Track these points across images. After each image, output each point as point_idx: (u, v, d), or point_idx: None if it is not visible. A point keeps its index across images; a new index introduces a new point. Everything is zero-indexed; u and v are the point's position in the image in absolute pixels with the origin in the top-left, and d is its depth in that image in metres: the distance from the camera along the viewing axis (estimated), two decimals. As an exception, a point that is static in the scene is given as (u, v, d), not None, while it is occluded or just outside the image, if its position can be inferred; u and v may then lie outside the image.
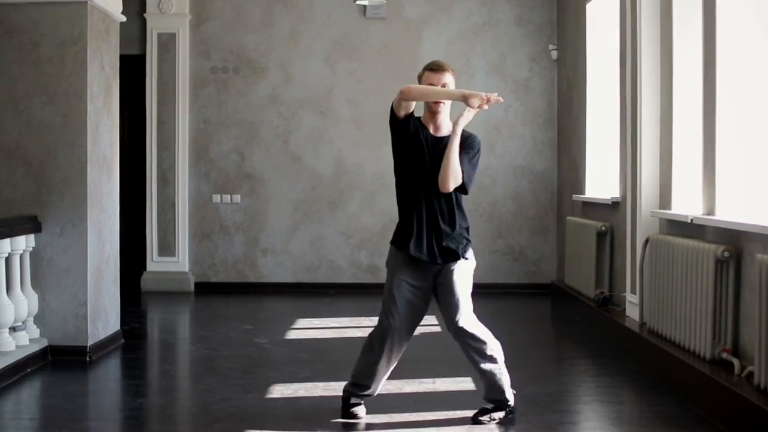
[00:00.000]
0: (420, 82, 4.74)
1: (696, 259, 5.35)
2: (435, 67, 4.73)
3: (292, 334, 7.36)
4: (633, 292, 6.67)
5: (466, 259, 4.74)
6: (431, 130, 4.71)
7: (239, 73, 9.93)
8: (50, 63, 6.29)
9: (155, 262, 9.81)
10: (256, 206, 9.94)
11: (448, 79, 4.70)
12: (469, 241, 4.75)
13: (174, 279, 9.77)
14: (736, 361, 4.94)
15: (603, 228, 7.53)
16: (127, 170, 9.60)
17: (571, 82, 9.13)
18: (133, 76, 9.71)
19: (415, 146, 4.66)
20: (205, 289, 9.78)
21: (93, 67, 6.40)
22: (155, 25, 9.78)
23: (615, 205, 7.39)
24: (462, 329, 4.66)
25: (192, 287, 9.82)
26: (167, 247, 9.80)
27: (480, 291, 9.79)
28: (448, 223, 4.67)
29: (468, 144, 4.68)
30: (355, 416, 4.78)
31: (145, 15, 9.79)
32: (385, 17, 9.90)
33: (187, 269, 9.85)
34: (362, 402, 4.85)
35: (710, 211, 5.36)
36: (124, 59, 7.71)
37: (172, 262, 9.80)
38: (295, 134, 9.92)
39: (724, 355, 5.06)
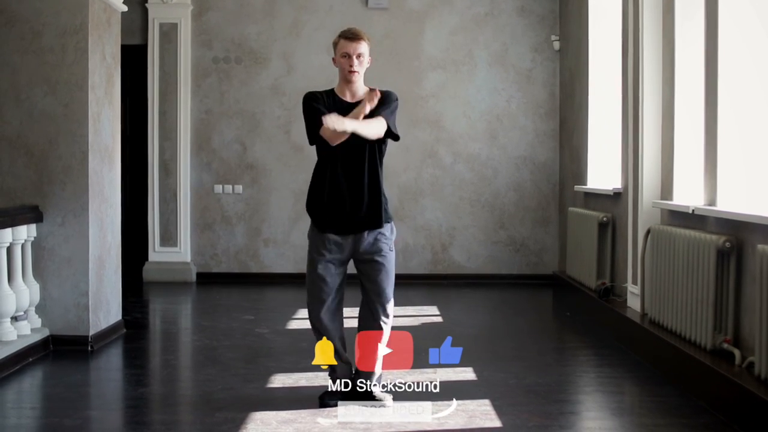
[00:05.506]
0: (335, 50, 4.81)
1: (697, 249, 5.35)
2: (351, 36, 4.76)
3: (293, 324, 7.36)
4: (634, 282, 6.67)
5: (388, 222, 4.84)
6: (348, 98, 4.80)
7: (241, 64, 9.92)
8: (51, 53, 6.29)
9: (157, 253, 9.82)
10: (257, 197, 9.94)
11: (364, 48, 4.77)
12: (387, 207, 4.85)
13: (176, 269, 9.78)
14: (736, 352, 4.95)
15: (605, 219, 7.53)
16: (129, 160, 9.62)
17: (573, 73, 9.11)
18: (135, 66, 9.70)
19: None
20: (206, 280, 9.80)
21: (94, 56, 6.40)
22: (157, 14, 9.77)
23: (617, 196, 7.39)
24: (386, 305, 4.82)
25: (194, 277, 9.83)
26: (169, 238, 9.81)
27: (482, 282, 10.03)
28: (369, 189, 4.74)
29: (386, 99, 4.75)
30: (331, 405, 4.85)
31: (146, 5, 9.78)
32: (387, 7, 9.88)
33: (188, 259, 9.86)
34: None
35: (711, 201, 5.36)
36: (125, 49, 7.70)
37: (173, 253, 9.81)
38: (297, 124, 9.89)
39: (725, 346, 5.06)
